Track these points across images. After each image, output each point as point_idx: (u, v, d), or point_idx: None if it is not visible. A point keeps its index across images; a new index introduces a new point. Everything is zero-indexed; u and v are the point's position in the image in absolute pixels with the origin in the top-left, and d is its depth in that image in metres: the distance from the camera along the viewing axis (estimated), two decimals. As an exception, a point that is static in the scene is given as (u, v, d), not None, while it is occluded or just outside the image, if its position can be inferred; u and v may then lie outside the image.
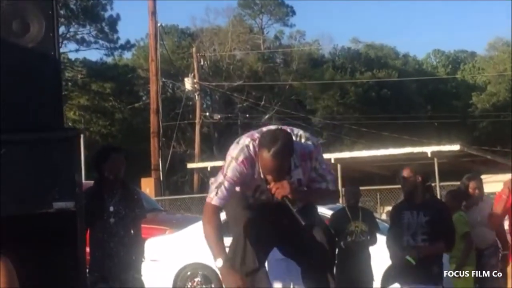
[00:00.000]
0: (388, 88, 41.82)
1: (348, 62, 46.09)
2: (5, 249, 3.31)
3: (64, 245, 3.92)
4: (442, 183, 17.53)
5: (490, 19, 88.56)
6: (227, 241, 4.19)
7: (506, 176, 6.47)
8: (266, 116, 36.39)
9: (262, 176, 3.94)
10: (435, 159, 19.00)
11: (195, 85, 29.78)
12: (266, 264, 5.42)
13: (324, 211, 7.28)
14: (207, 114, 34.03)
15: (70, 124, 32.46)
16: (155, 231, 10.70)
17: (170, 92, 38.09)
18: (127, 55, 41.98)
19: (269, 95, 38.32)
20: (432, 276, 5.54)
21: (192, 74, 30.08)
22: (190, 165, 25.25)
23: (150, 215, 12.01)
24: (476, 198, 6.99)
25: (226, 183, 3.90)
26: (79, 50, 36.73)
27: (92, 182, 5.46)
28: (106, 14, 36.57)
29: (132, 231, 5.31)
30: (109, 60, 39.54)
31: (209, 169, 20.88)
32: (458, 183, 7.66)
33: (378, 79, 41.48)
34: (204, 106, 36.35)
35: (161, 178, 22.84)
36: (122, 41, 37.58)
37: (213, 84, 34.74)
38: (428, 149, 19.70)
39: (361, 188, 7.91)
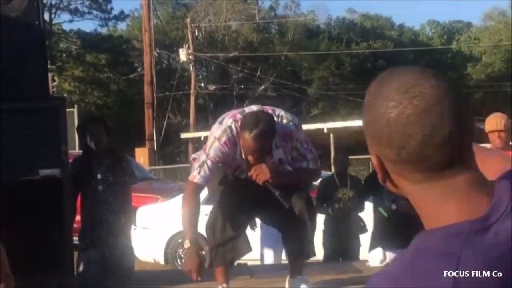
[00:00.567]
0: (384, 59, 41.71)
1: (344, 32, 45.91)
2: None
3: (50, 211, 4.01)
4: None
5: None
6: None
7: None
8: (262, 87, 36.35)
9: (243, 156, 4.03)
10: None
11: (190, 56, 29.70)
12: (259, 229, 5.55)
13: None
14: (202, 85, 33.98)
15: (65, 95, 32.51)
16: (147, 200, 10.83)
17: (166, 63, 37.98)
18: (122, 26, 41.83)
19: (265, 66, 38.20)
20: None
21: (187, 45, 29.99)
22: (183, 135, 25.26)
23: (143, 184, 12.17)
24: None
25: (209, 162, 3.98)
26: (73, 20, 36.59)
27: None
28: (100, -16, 36.40)
29: (121, 198, 5.43)
30: (104, 31, 39.42)
31: (202, 138, 20.91)
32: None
33: (374, 49, 41.37)
34: (200, 77, 36.28)
35: (155, 148, 22.92)
36: (116, 12, 37.47)
37: (208, 55, 34.62)
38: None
39: (354, 157, 7.98)
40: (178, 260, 9.29)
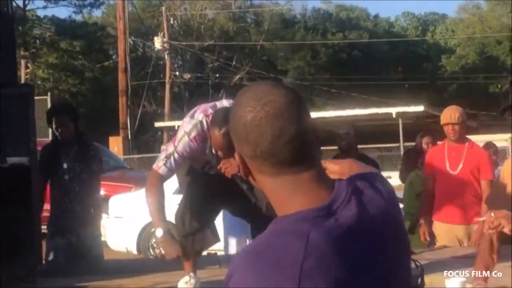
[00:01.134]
0: (359, 50, 41.89)
1: (320, 23, 45.98)
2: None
3: (18, 199, 4.00)
4: (406, 144, 17.79)
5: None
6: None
7: (472, 137, 6.42)
8: (237, 76, 36.31)
9: (213, 151, 4.04)
10: (400, 120, 19.25)
11: (165, 45, 29.57)
12: (222, 220, 5.56)
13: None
14: (177, 73, 33.85)
15: (39, 82, 32.18)
16: (120, 189, 10.81)
17: (141, 51, 37.75)
18: (97, 13, 41.48)
19: (240, 55, 38.17)
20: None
21: (162, 33, 29.85)
22: (157, 124, 25.15)
23: (117, 173, 12.15)
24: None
25: (176, 155, 4.00)
26: (47, 7, 36.17)
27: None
28: (74, -30, 35.99)
29: (88, 187, 5.42)
30: (78, 17, 39.03)
31: (176, 127, 20.86)
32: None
33: (349, 40, 41.50)
34: (175, 65, 36.10)
35: (129, 137, 22.81)
36: (91, -1, 37.07)
37: (184, 43, 34.48)
38: (393, 110, 19.94)
39: (326, 148, 8.05)
40: (151, 250, 9.29)
